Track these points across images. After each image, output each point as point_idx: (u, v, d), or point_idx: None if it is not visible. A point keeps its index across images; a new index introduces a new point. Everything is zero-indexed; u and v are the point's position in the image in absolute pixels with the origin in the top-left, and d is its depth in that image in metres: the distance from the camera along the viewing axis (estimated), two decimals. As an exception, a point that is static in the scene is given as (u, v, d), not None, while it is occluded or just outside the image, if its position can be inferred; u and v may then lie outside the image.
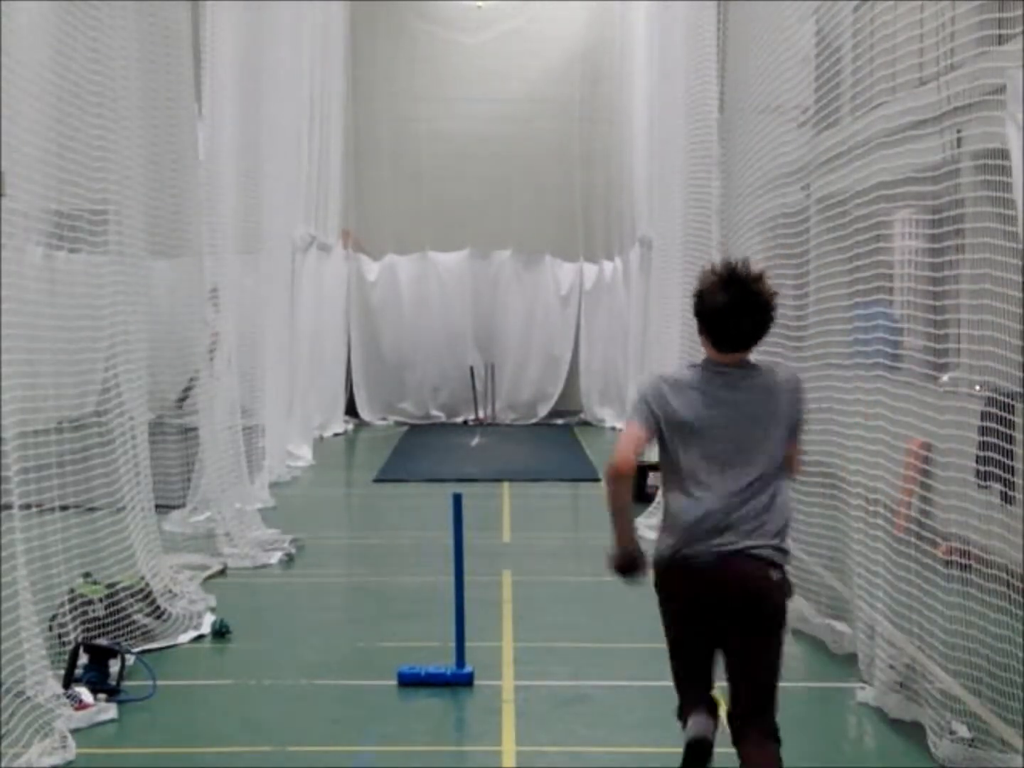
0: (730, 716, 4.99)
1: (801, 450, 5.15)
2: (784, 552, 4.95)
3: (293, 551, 11.53)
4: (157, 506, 9.75)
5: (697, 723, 4.99)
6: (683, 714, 5.06)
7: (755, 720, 4.92)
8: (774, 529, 4.90)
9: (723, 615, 4.89)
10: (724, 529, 4.85)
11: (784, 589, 4.97)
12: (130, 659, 7.66)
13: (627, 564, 5.01)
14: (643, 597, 10.26)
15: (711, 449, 4.89)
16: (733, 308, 4.90)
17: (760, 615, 4.92)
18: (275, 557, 11.30)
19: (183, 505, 12.26)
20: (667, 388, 4.97)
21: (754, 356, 5.04)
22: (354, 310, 24.97)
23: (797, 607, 8.61)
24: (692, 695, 5.05)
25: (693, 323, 5.19)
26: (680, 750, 4.98)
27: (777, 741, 4.93)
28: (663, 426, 4.94)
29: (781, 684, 4.94)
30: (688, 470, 4.92)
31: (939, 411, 6.58)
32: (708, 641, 4.99)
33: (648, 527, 12.38)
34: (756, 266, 5.04)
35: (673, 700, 5.08)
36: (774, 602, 4.94)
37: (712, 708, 5.05)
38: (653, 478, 13.98)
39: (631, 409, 5.07)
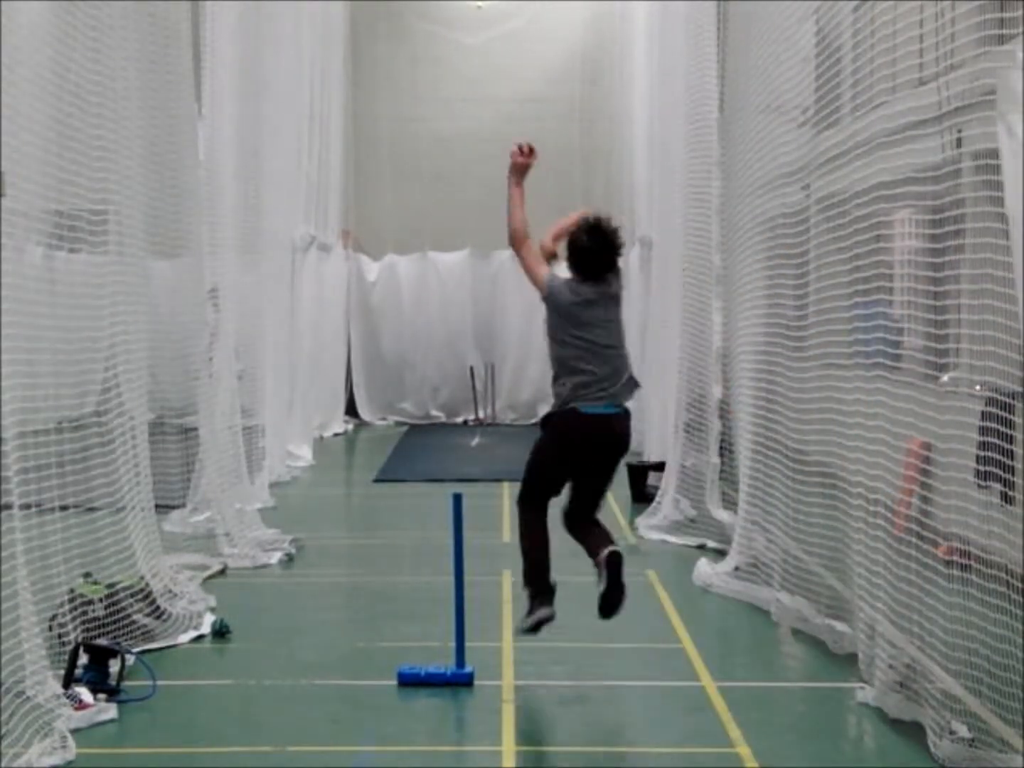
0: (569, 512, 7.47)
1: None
2: (628, 411, 7.32)
3: (293, 551, 11.53)
4: (157, 506, 9.74)
5: (543, 611, 7.23)
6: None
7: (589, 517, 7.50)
8: (629, 388, 7.28)
9: (595, 450, 7.21)
10: (603, 386, 7.14)
11: (630, 433, 7.40)
12: (130, 659, 7.66)
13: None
14: (643, 597, 10.29)
15: (581, 330, 7.17)
16: (595, 250, 7.21)
17: (619, 452, 7.34)
18: (275, 557, 11.30)
19: (183, 505, 12.25)
20: (560, 281, 7.29)
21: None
22: (354, 310, 24.96)
23: (797, 607, 8.61)
24: (539, 501, 7.46)
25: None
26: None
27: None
28: (551, 299, 7.27)
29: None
30: (566, 342, 7.20)
31: (939, 411, 6.58)
32: (572, 467, 7.27)
33: (648, 527, 12.49)
34: (615, 221, 7.34)
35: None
36: (627, 443, 7.39)
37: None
38: (653, 478, 14.01)
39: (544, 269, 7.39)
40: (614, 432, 7.24)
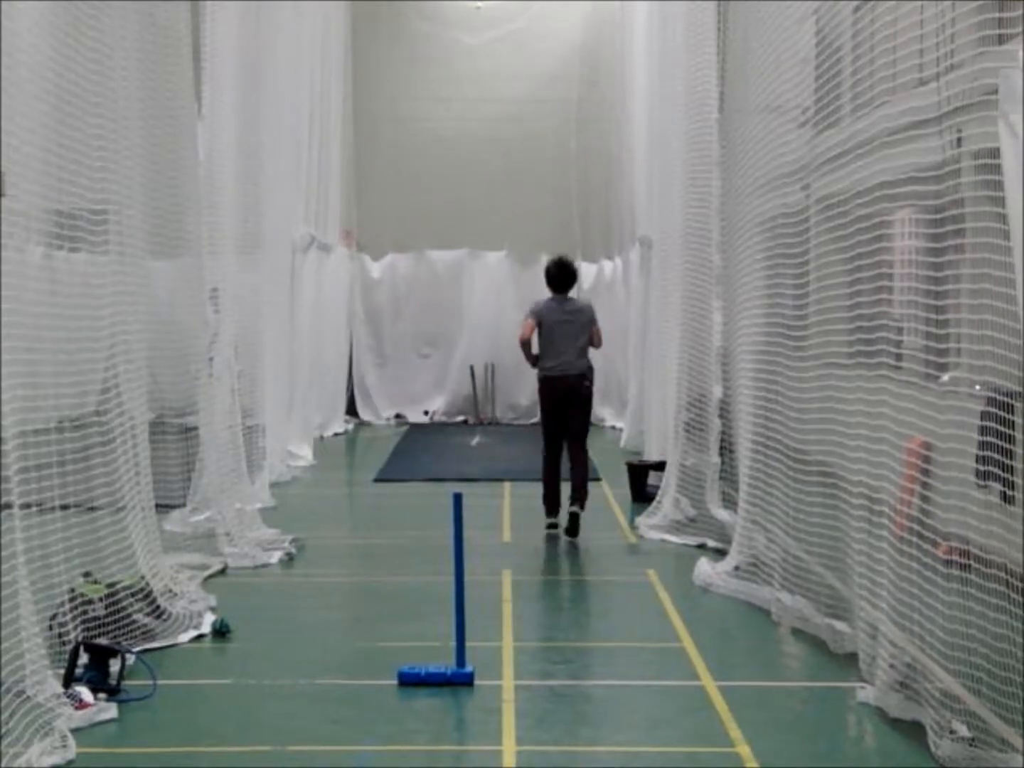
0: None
1: (599, 331, 12.33)
2: (588, 376, 12.17)
3: (293, 551, 11.53)
4: (157, 506, 9.74)
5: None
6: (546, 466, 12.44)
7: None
8: (585, 364, 12.14)
9: (565, 402, 12.06)
10: (566, 361, 12.03)
11: (591, 389, 12.16)
12: (130, 659, 7.66)
13: (533, 361, 12.18)
14: (642, 597, 10.28)
15: (558, 333, 12.05)
16: (560, 275, 12.24)
17: (580, 400, 12.10)
18: (275, 557, 11.29)
19: (183, 505, 12.24)
20: (541, 306, 12.14)
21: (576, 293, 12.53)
22: (357, 309, 24.98)
23: (797, 606, 8.62)
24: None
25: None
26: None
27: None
28: (540, 322, 12.05)
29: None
30: (549, 340, 12.05)
31: (939, 411, 6.58)
32: (560, 417, 12.13)
33: (648, 527, 12.50)
34: (572, 259, 12.87)
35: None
36: (585, 395, 12.08)
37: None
38: (654, 478, 14.01)
39: (527, 314, 12.22)
40: (572, 384, 12.19)
